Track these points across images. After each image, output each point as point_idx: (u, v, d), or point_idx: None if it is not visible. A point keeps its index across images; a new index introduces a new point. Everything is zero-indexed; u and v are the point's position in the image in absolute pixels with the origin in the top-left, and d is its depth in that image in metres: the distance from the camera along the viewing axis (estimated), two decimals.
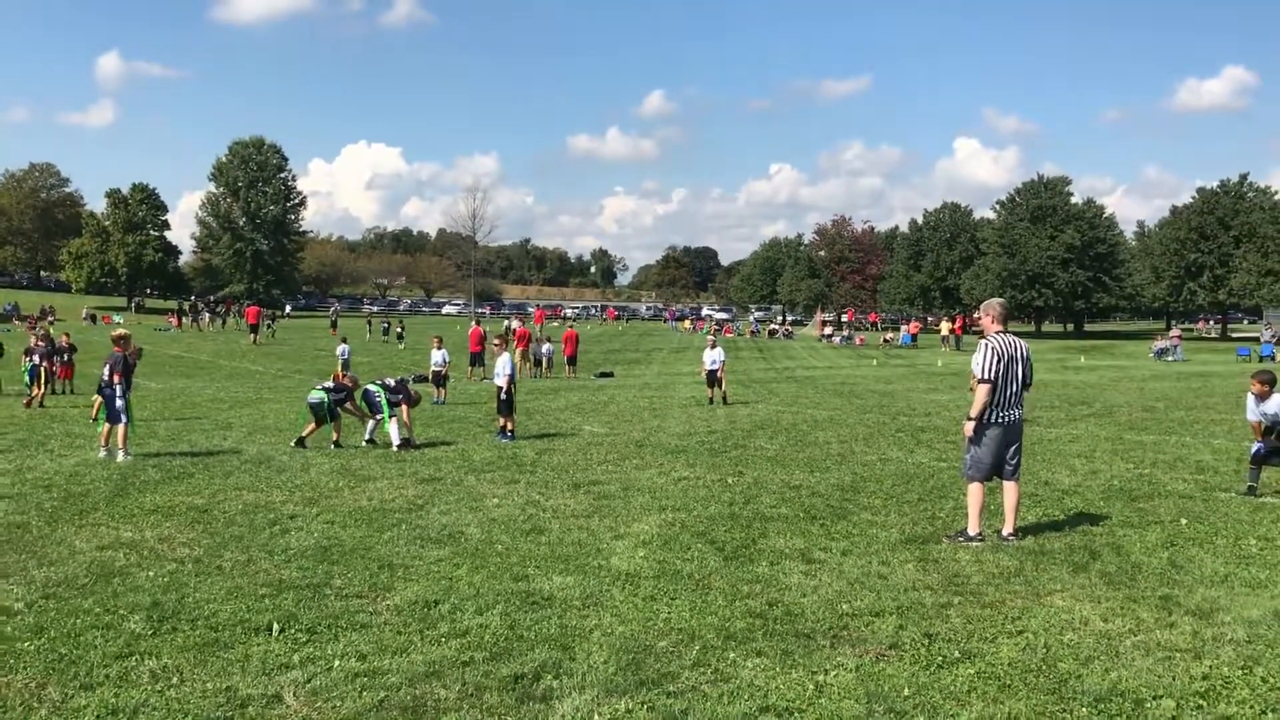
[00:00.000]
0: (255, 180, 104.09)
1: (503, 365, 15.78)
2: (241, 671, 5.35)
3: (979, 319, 9.20)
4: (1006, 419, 8.52)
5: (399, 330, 58.18)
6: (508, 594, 6.81)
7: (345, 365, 30.51)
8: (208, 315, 74.43)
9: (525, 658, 5.58)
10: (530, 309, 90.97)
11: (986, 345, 8.61)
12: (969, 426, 8.61)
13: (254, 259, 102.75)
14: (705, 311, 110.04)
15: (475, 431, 16.35)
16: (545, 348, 35.64)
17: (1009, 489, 8.61)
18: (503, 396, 15.52)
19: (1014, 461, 8.62)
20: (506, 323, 41.31)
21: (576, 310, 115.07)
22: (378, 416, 14.69)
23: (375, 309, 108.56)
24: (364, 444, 14.52)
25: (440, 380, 24.09)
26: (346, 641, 5.84)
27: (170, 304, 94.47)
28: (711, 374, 22.61)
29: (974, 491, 8.57)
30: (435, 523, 9.17)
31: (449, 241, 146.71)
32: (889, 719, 4.84)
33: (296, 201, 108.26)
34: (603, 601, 6.67)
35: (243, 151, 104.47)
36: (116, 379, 13.06)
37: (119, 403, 13.01)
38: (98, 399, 14.13)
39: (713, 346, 22.99)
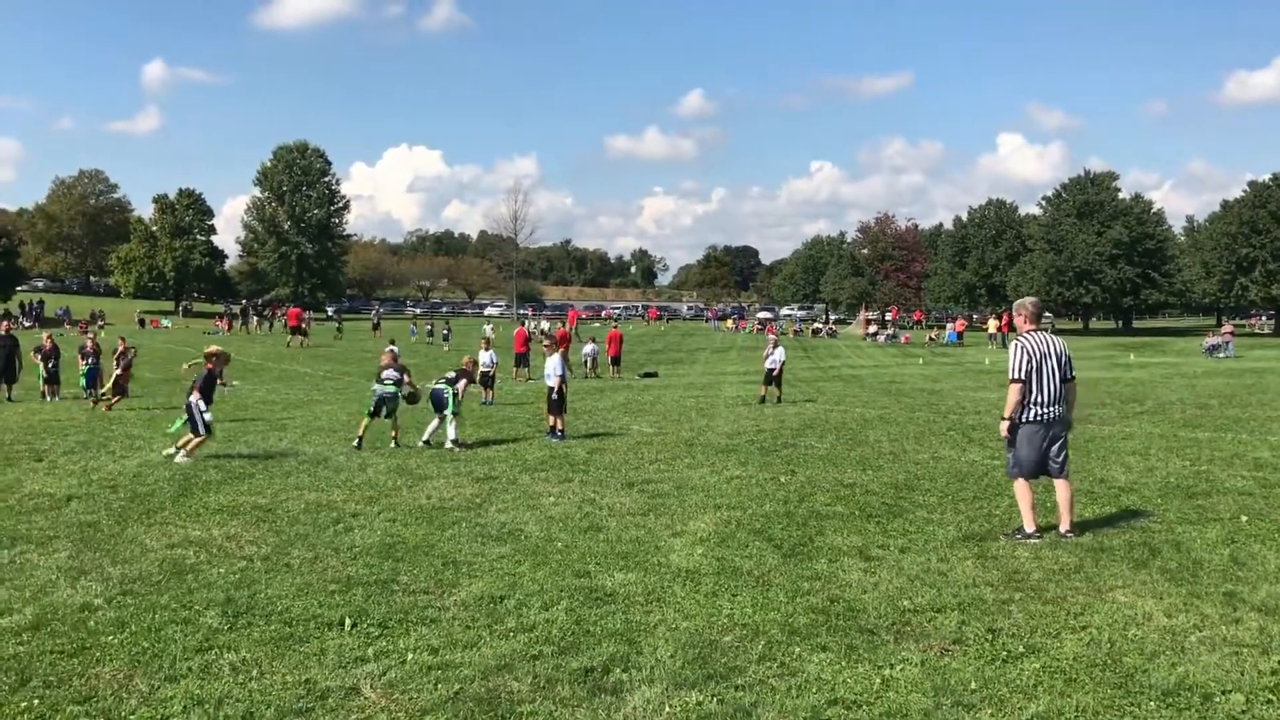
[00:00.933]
0: (299, 184, 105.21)
1: (553, 366, 15.91)
2: (319, 664, 5.50)
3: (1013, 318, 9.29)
4: (1045, 416, 8.54)
5: (445, 331, 58.80)
6: (571, 590, 6.92)
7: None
8: (255, 318, 75.57)
9: (593, 651, 5.68)
10: (572, 308, 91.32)
11: (1017, 344, 8.73)
12: (1003, 426, 8.72)
13: (299, 262, 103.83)
14: (761, 314, 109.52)
15: (525, 431, 16.50)
16: (589, 348, 35.79)
17: (1060, 486, 8.63)
18: (554, 396, 15.66)
19: (1060, 459, 8.62)
20: (544, 324, 41.40)
21: (619, 310, 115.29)
22: (443, 413, 14.91)
23: (418, 311, 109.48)
24: (419, 445, 14.69)
25: (488, 381, 24.29)
26: (417, 635, 5.97)
27: (217, 307, 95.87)
28: (770, 372, 22.72)
29: (1020, 489, 8.67)
30: (494, 520, 9.30)
31: (490, 243, 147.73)
32: (957, 712, 4.89)
33: (340, 205, 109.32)
34: (665, 597, 6.75)
35: (287, 156, 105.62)
36: (195, 393, 13.41)
37: (203, 417, 13.28)
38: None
39: (775, 346, 23.12)
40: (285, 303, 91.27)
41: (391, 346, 18.00)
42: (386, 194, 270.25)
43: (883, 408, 21.16)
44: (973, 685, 5.19)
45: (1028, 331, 8.81)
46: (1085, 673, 5.37)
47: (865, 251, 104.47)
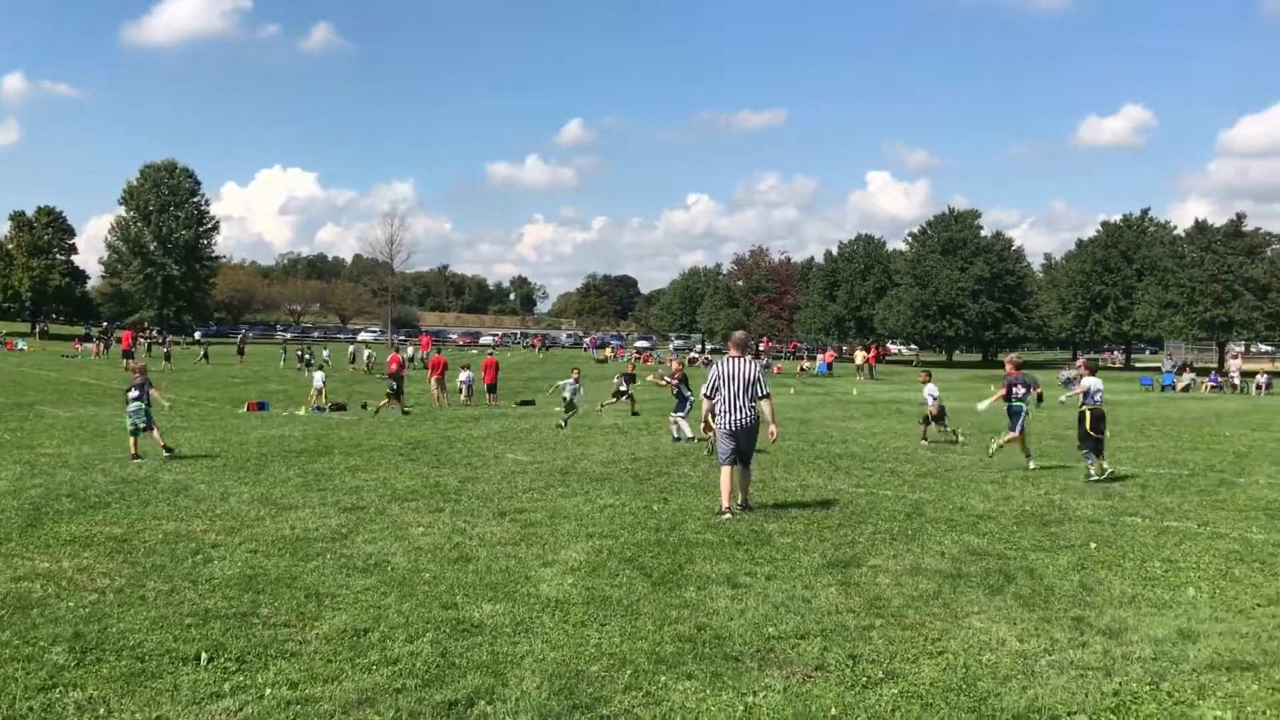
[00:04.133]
0: (167, 204, 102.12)
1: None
2: (171, 701, 5.31)
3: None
4: (732, 423, 10.97)
5: (306, 357, 57.76)
6: (437, 622, 6.83)
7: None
8: (98, 341, 72.68)
9: (458, 684, 5.62)
10: (452, 335, 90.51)
11: (714, 366, 11.42)
12: (701, 427, 12.01)
13: (164, 284, 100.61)
14: (639, 343, 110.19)
15: (396, 460, 16.25)
16: (465, 375, 35.45)
17: (742, 473, 11.19)
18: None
19: (747, 454, 11.14)
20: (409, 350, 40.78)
21: (496, 338, 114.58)
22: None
23: (289, 336, 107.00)
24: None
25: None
26: (277, 670, 5.82)
27: (77, 329, 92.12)
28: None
29: (722, 475, 11.06)
30: (360, 551, 9.13)
31: (365, 268, 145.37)
32: None
33: (209, 226, 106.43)
34: (533, 628, 6.72)
35: (154, 175, 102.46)
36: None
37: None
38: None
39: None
40: (146, 325, 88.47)
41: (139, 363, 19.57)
42: (258, 215, 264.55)
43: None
44: (833, 711, 5.30)
45: (730, 357, 11.21)
46: (941, 697, 5.53)
47: (740, 283, 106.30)
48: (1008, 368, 17.06)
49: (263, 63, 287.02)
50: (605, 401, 30.42)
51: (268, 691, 5.46)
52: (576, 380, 24.22)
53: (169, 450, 16.05)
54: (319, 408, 30.52)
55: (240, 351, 66.22)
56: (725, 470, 10.98)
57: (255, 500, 11.99)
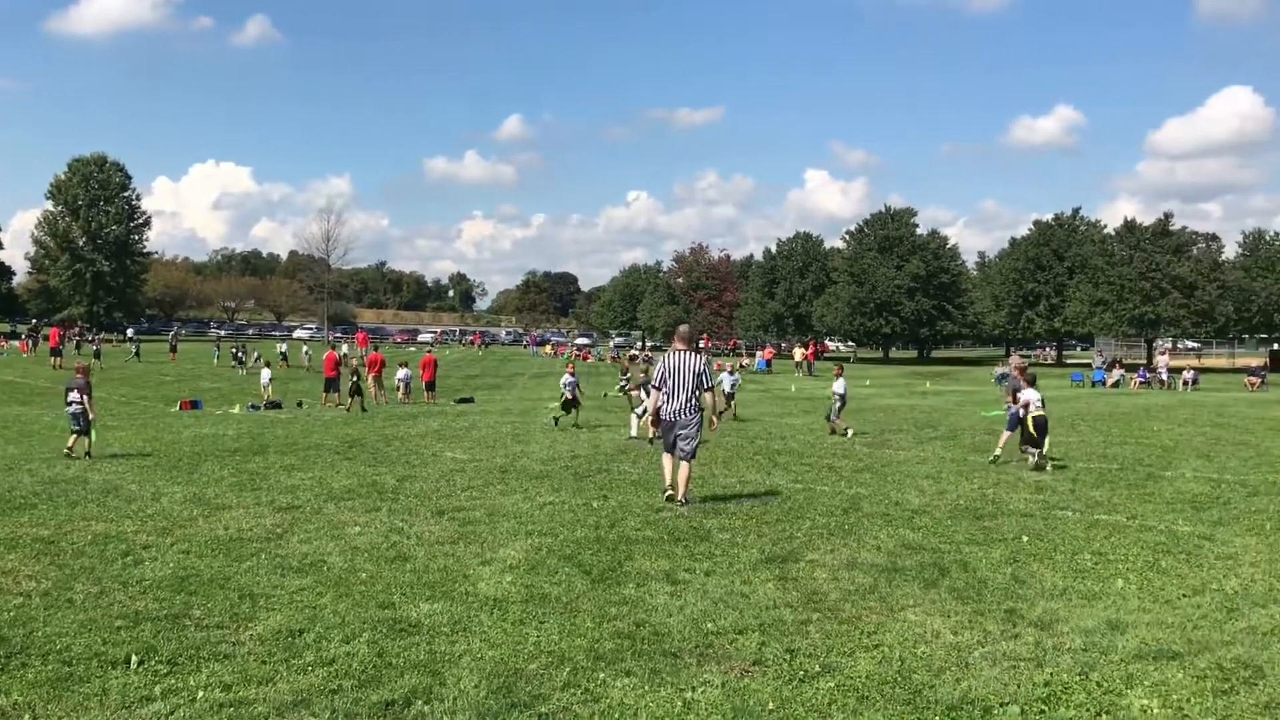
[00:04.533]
0: (96, 199, 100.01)
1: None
2: (99, 706, 5.20)
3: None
4: (671, 414, 11.54)
5: (239, 354, 56.90)
6: (374, 622, 6.77)
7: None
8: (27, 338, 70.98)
9: (395, 684, 5.57)
10: (360, 331, 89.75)
11: (660, 360, 11.99)
12: (648, 418, 12.77)
13: (94, 280, 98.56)
14: (580, 339, 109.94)
15: (332, 459, 16.07)
16: (403, 373, 35.15)
17: (682, 467, 11.46)
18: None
19: (686, 446, 11.45)
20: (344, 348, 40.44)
21: (435, 335, 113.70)
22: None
23: (222, 333, 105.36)
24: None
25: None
26: (209, 672, 5.72)
27: (3, 326, 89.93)
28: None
29: (664, 458, 11.81)
30: (296, 551, 9.01)
31: (301, 264, 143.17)
32: None
33: (140, 221, 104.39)
34: (471, 627, 6.69)
35: (83, 169, 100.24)
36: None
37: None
38: None
39: (730, 372, 24.66)
40: (75, 322, 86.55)
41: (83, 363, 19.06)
42: (191, 211, 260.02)
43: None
44: (770, 706, 5.34)
45: (675, 351, 11.72)
46: (877, 690, 5.59)
47: (680, 281, 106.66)
48: (1015, 373, 17.10)
49: (195, 55, 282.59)
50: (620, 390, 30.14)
51: (200, 694, 5.37)
52: (573, 375, 24.08)
53: (88, 456, 15.73)
54: (255, 405, 30.21)
55: (173, 349, 65.07)
56: (666, 455, 11.76)
57: (188, 500, 11.79)
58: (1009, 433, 16.36)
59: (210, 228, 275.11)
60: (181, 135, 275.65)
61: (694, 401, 11.49)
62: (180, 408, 29.30)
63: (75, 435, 16.00)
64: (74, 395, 16.15)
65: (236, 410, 28.29)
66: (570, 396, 23.09)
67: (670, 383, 11.54)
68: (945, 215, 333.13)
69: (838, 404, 21.46)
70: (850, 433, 20.36)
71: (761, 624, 6.78)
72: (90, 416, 16.07)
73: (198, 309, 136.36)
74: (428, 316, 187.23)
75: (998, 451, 16.12)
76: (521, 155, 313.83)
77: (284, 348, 60.00)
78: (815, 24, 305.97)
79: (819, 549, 9.21)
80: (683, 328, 12.26)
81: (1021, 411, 15.65)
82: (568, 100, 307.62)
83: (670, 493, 11.49)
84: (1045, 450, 15.31)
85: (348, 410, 27.39)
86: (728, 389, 26.85)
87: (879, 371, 66.18)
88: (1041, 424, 15.42)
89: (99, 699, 5.30)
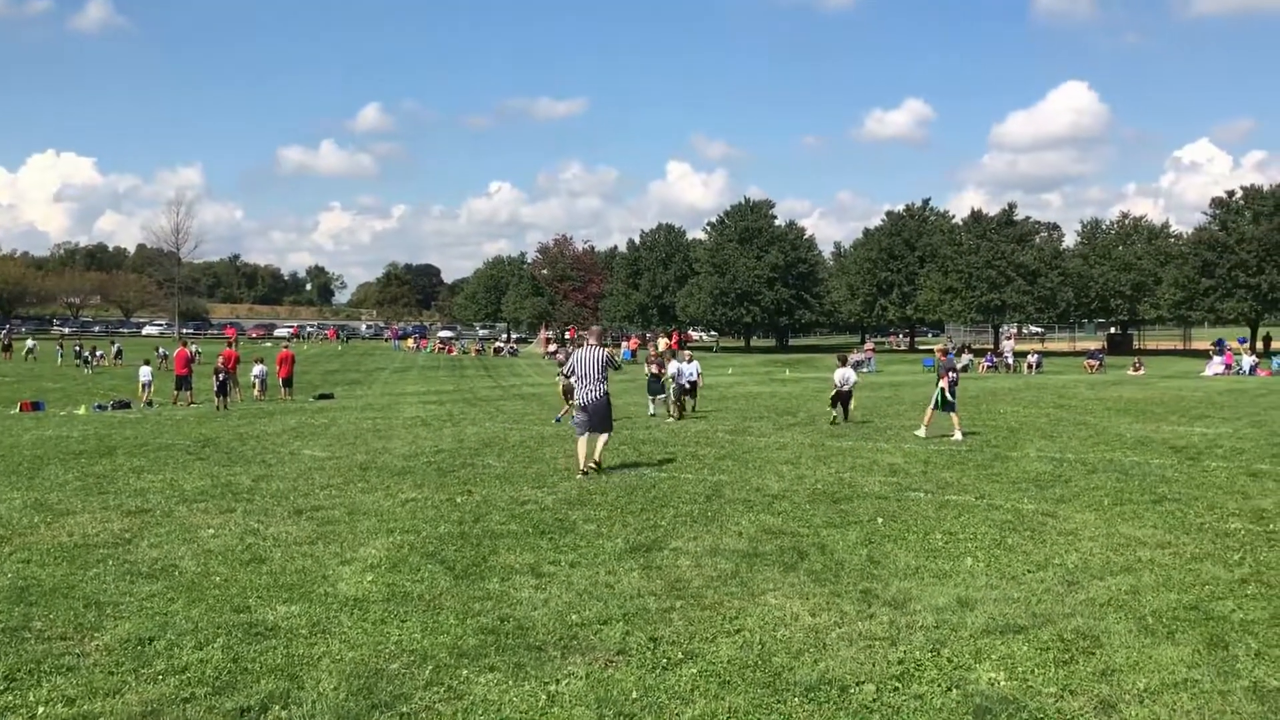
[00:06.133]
0: None
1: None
2: None
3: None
4: (583, 398, 13.29)
5: (85, 354, 54.54)
6: (229, 626, 6.58)
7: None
8: None
9: (251, 690, 5.43)
10: (229, 326, 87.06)
11: (574, 353, 13.91)
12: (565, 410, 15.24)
13: None
14: (443, 333, 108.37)
15: (184, 459, 15.52)
16: (258, 369, 34.19)
17: (598, 440, 13.31)
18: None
19: (599, 423, 13.28)
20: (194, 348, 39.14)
21: (292, 330, 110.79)
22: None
23: (66, 330, 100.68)
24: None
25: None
26: (51, 686, 5.48)
27: None
28: (842, 393, 20.82)
29: (578, 443, 13.30)
30: (145, 557, 8.69)
31: (149, 258, 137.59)
32: None
33: None
34: (330, 628, 6.56)
35: None
36: None
37: None
38: None
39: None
40: None
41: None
42: (30, 203, 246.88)
43: (559, 425, 21.51)
44: (634, 695, 5.38)
45: (588, 345, 13.61)
46: (738, 674, 5.69)
47: (545, 272, 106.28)
48: (940, 356, 19.30)
49: (31, 40, 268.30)
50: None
51: (40, 710, 5.14)
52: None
53: None
54: (101, 405, 28.98)
55: (7, 348, 61.91)
56: (581, 439, 13.29)
57: (28, 506, 11.25)
58: (934, 410, 18.17)
59: (52, 221, 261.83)
60: (17, 124, 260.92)
61: (602, 387, 13.32)
62: (20, 409, 27.92)
63: None
64: None
65: (82, 411, 27.09)
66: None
67: (580, 372, 13.39)
68: (803, 206, 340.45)
69: (686, 383, 23.23)
70: (672, 417, 22.16)
71: (625, 613, 6.83)
72: None
73: (39, 306, 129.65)
74: (284, 311, 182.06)
75: (920, 431, 17.87)
76: (380, 145, 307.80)
77: (162, 349, 57.51)
78: (677, 18, 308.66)
79: (682, 536, 9.32)
80: (595, 328, 14.83)
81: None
82: (428, 89, 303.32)
83: (589, 469, 13.01)
84: (847, 418, 20.03)
85: (217, 409, 26.78)
86: (689, 379, 23.72)
87: (741, 360, 67.25)
88: (845, 396, 20.28)
89: None
